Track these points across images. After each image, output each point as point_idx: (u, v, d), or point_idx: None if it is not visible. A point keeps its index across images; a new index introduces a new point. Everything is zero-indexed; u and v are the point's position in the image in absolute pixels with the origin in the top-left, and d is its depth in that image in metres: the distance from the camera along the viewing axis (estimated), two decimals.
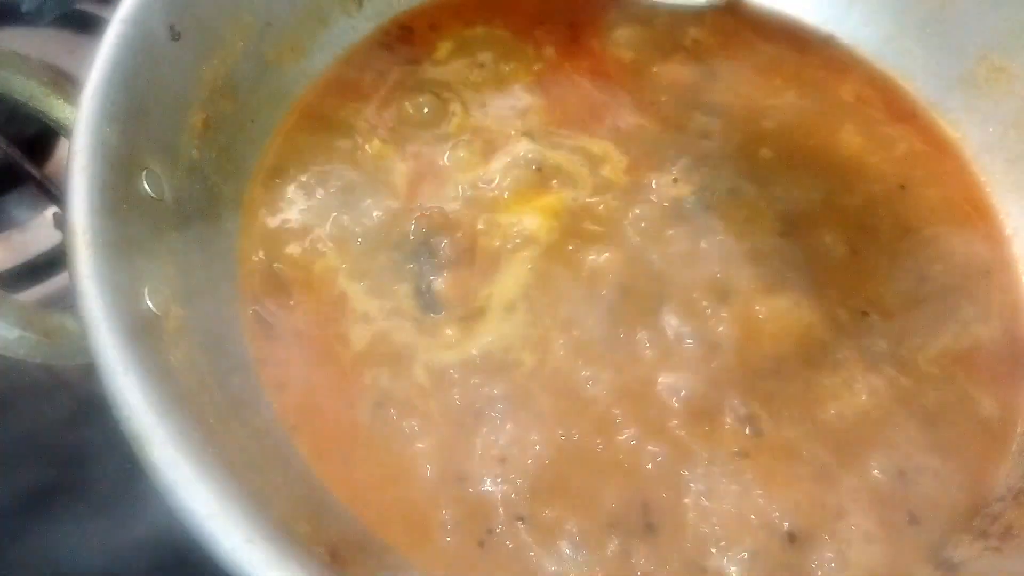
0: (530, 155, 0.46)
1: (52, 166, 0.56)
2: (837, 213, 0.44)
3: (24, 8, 0.61)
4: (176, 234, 0.37)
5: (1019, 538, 0.35)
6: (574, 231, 0.43)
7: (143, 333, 0.30)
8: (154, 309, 0.33)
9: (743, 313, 0.40)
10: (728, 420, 0.38)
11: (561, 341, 0.39)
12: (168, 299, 0.34)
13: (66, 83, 0.35)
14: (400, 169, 0.45)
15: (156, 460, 0.27)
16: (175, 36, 0.39)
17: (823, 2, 0.52)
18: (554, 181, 0.45)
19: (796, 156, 0.47)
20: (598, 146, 0.46)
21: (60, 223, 0.32)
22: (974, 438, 0.39)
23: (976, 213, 0.46)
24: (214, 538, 0.26)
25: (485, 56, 0.51)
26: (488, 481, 0.35)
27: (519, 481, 0.35)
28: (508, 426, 0.37)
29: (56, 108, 0.35)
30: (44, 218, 0.55)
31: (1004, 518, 0.36)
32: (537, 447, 0.36)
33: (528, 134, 0.47)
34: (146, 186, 0.36)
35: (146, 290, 0.33)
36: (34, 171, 0.53)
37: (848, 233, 0.44)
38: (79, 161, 0.33)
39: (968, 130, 0.48)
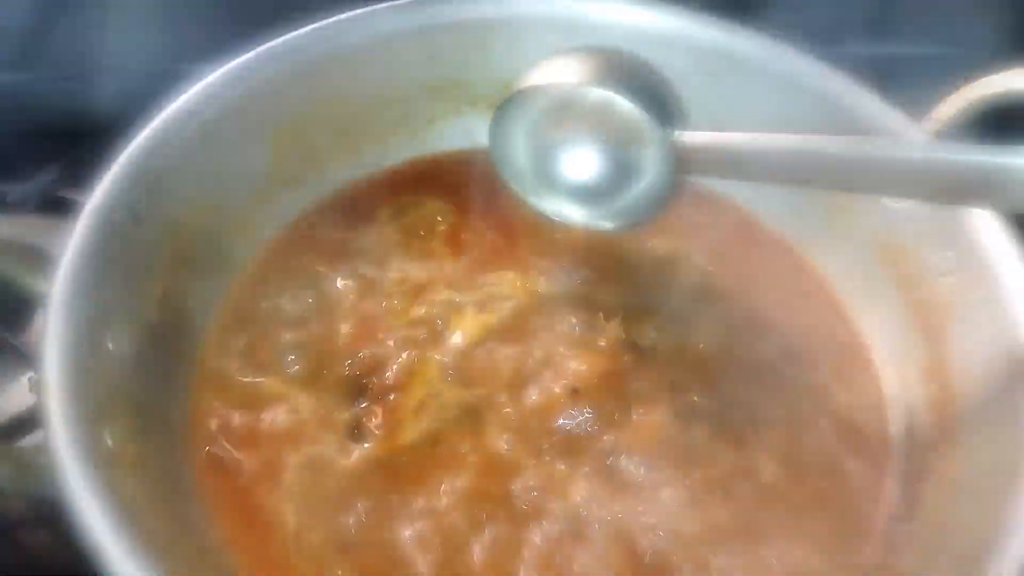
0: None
1: (28, 335, 0.62)
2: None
3: (9, 199, 0.69)
4: (135, 384, 0.43)
5: None
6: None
7: (102, 466, 0.36)
8: (111, 446, 0.38)
9: None
10: None
11: None
12: (125, 438, 0.39)
13: (42, 261, 0.42)
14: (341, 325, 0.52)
15: (108, 566, 0.32)
16: (137, 221, 0.46)
17: None
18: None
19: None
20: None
21: (34, 386, 0.38)
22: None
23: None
24: None
25: (415, 218, 0.59)
26: None
27: None
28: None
29: (29, 284, 0.42)
30: (20, 383, 0.61)
31: None
32: None
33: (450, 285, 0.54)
34: (110, 344, 0.42)
35: (106, 431, 0.38)
36: (12, 339, 0.59)
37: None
38: (52, 329, 0.39)
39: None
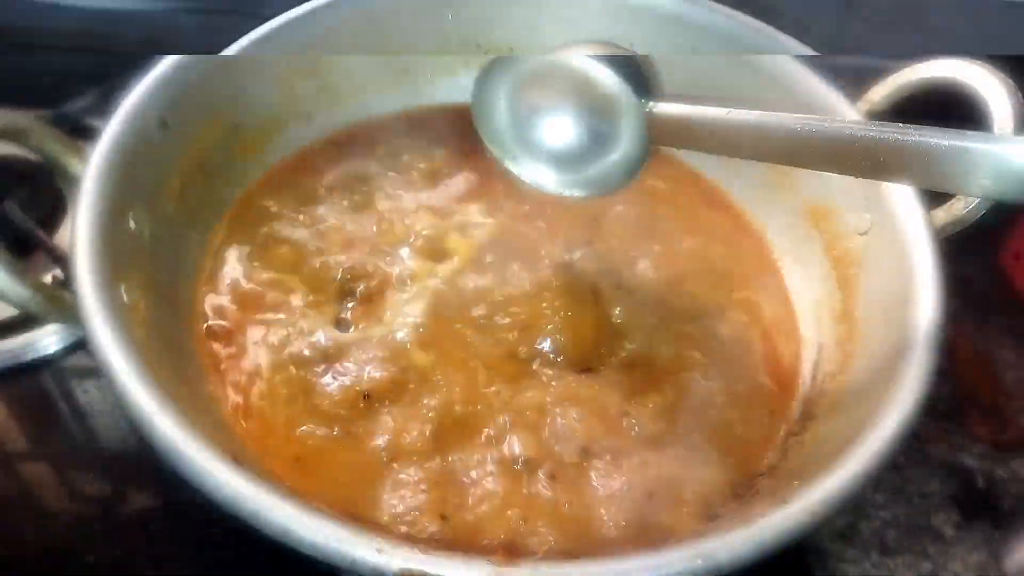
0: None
1: (58, 238, 0.69)
2: None
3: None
4: (149, 259, 0.50)
5: (760, 494, 0.46)
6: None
7: (117, 310, 0.43)
8: (127, 300, 0.46)
9: None
10: None
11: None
12: (138, 297, 0.47)
13: (81, 147, 0.49)
14: (336, 234, 0.59)
15: (115, 377, 0.39)
16: (164, 126, 0.54)
17: None
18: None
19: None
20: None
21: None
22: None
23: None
24: (152, 424, 0.38)
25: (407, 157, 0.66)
26: None
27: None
28: None
29: (72, 165, 0.49)
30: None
31: (759, 485, 0.48)
32: None
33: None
34: (132, 223, 0.49)
35: (123, 287, 0.46)
36: (46, 239, 0.67)
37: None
38: (86, 199, 0.46)
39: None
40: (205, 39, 0.57)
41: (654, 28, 0.64)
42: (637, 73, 0.46)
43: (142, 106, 0.52)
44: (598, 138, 0.49)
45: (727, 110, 0.42)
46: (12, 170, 0.69)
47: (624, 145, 0.48)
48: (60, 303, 0.43)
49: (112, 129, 0.50)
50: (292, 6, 0.61)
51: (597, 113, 0.48)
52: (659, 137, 0.46)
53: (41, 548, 0.55)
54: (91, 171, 0.47)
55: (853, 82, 0.59)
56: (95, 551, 0.54)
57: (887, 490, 0.65)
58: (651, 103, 0.46)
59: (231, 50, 0.57)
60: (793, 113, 0.44)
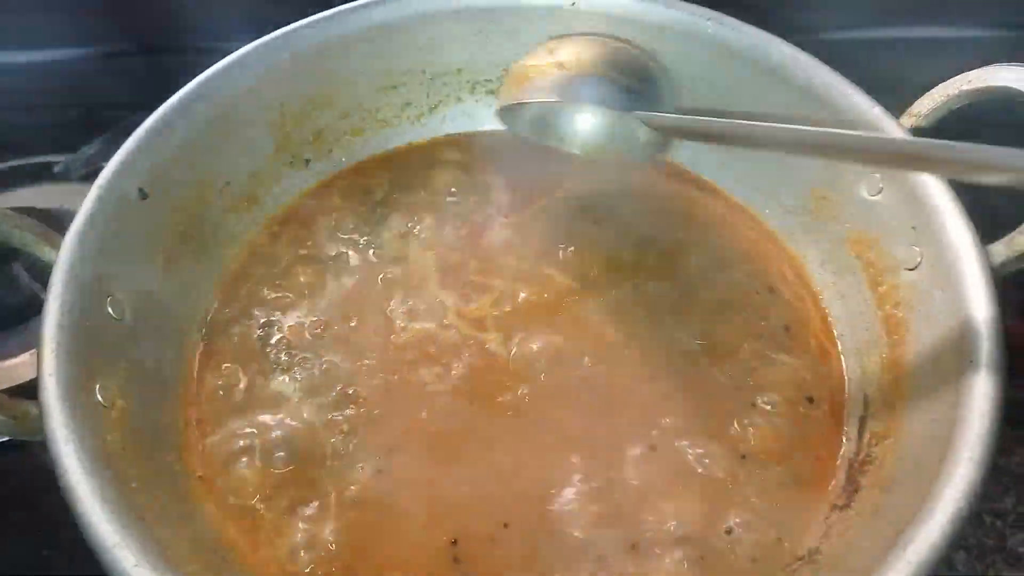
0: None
1: None
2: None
3: (56, 170, 0.76)
4: (131, 344, 0.47)
5: None
6: None
7: (87, 418, 0.40)
8: (102, 401, 0.43)
9: None
10: None
11: None
12: (115, 394, 0.44)
13: (53, 234, 0.46)
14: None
15: (78, 508, 0.36)
16: (143, 196, 0.50)
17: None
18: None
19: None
20: None
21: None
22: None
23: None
24: (114, 563, 0.35)
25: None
26: None
27: None
28: None
29: (44, 253, 0.46)
30: None
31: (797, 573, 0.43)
32: None
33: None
34: (110, 310, 0.46)
35: (97, 386, 0.43)
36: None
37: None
38: (55, 291, 0.44)
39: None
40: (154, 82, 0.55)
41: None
42: (646, 83, 0.51)
43: (118, 179, 0.49)
44: (618, 139, 0.54)
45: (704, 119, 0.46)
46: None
47: (642, 143, 0.53)
48: (24, 419, 0.40)
49: (85, 208, 0.47)
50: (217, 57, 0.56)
51: (612, 128, 0.54)
52: (663, 135, 0.52)
53: None
54: (61, 261, 0.45)
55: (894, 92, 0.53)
56: None
57: None
58: (644, 116, 0.49)
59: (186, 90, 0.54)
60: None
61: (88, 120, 0.81)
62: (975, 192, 0.48)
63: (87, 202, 0.48)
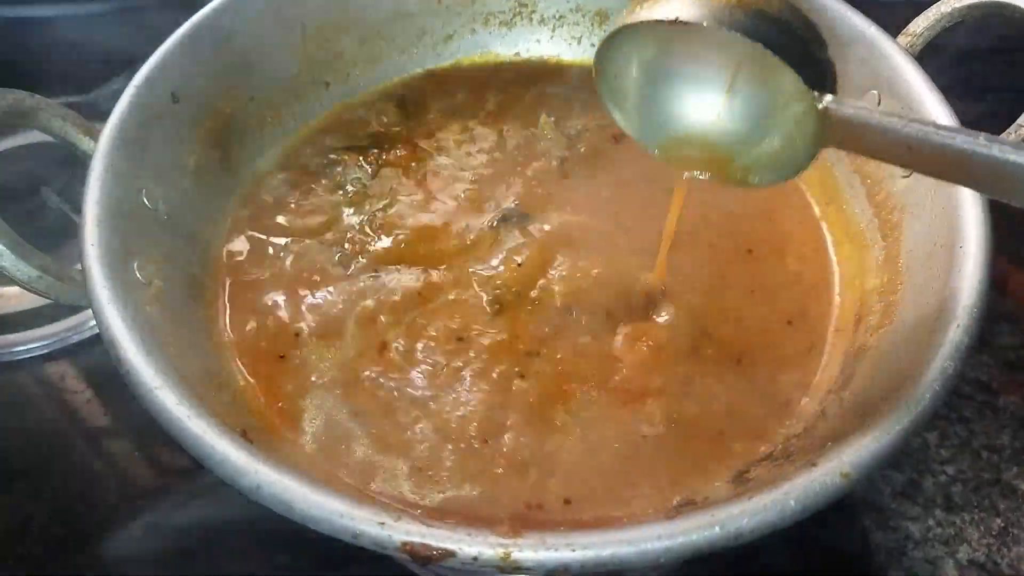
0: None
1: None
2: None
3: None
4: (166, 234, 0.50)
5: (795, 455, 0.44)
6: None
7: (127, 288, 0.43)
8: (140, 278, 0.45)
9: None
10: None
11: None
12: (152, 274, 0.46)
13: (92, 127, 0.49)
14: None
15: (121, 356, 0.39)
16: (175, 100, 0.53)
17: None
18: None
19: None
20: None
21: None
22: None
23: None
24: (157, 402, 0.37)
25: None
26: None
27: None
28: None
29: (82, 143, 0.49)
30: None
31: (793, 447, 0.45)
32: None
33: None
34: (145, 200, 0.49)
35: (135, 264, 0.45)
36: (70, 212, 0.68)
37: None
38: (95, 173, 0.46)
39: None
40: None
41: None
42: (809, 56, 0.38)
43: (151, 82, 0.52)
44: (750, 123, 0.41)
45: (904, 121, 0.35)
46: (49, 157, 0.70)
47: (784, 137, 0.40)
48: (68, 282, 0.43)
49: (122, 105, 0.50)
50: None
51: (752, 96, 0.40)
52: (827, 137, 0.38)
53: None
54: (101, 147, 0.47)
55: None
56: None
57: (952, 444, 0.62)
58: (825, 99, 0.37)
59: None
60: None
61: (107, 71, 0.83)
62: (971, 95, 0.50)
63: (122, 100, 0.50)
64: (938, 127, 0.34)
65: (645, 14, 0.38)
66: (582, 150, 0.60)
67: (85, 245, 0.43)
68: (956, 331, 0.40)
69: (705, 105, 0.41)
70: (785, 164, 0.40)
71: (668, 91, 0.42)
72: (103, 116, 0.75)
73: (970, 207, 0.45)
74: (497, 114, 0.64)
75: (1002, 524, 0.58)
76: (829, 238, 0.56)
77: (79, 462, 0.61)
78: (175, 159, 0.53)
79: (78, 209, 0.66)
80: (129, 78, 0.77)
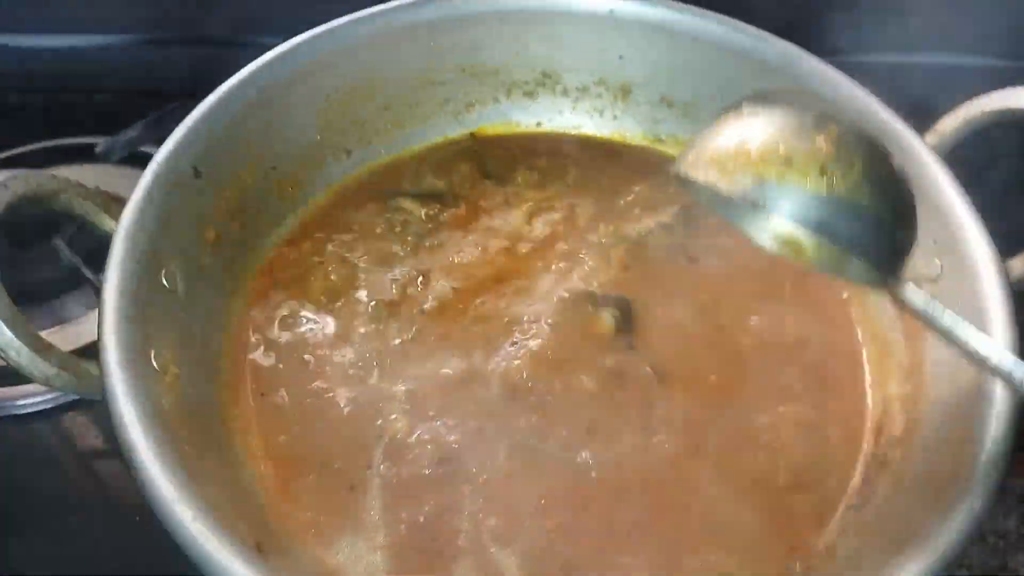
0: None
1: None
2: None
3: (97, 151, 0.78)
4: (183, 315, 0.49)
5: None
6: None
7: (144, 380, 0.42)
8: (156, 366, 0.45)
9: None
10: None
11: None
12: (168, 361, 0.46)
13: (113, 204, 0.48)
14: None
15: (137, 462, 0.38)
16: (198, 174, 0.52)
17: None
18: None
19: None
20: None
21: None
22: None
23: None
24: (172, 516, 0.37)
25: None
26: None
27: None
28: None
29: (105, 223, 0.48)
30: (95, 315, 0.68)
31: (814, 570, 0.45)
32: None
33: None
34: (164, 281, 0.48)
35: (152, 352, 0.45)
36: (91, 276, 0.67)
37: None
38: (116, 258, 0.46)
39: None
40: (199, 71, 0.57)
41: (644, 41, 0.62)
42: (889, 245, 0.36)
43: (175, 158, 0.51)
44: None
45: (962, 336, 0.35)
46: None
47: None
48: (86, 378, 0.42)
49: (144, 183, 0.49)
50: (269, 45, 0.58)
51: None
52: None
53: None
54: (122, 231, 0.47)
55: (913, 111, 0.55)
56: None
57: None
58: (894, 283, 0.36)
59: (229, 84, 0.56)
60: None
61: (126, 106, 0.83)
62: (996, 206, 0.50)
63: (145, 177, 0.50)
64: (983, 350, 0.35)
65: (700, 171, 0.35)
66: None
67: (105, 338, 0.42)
68: (986, 459, 0.40)
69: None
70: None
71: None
72: (114, 164, 0.77)
73: (997, 327, 0.45)
74: None
75: None
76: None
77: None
78: (196, 234, 0.52)
79: (88, 259, 0.68)
80: (148, 126, 0.78)
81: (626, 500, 0.47)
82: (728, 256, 0.57)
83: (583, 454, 0.48)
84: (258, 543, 0.39)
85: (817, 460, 0.49)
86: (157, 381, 0.44)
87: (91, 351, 0.60)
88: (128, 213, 0.48)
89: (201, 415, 0.47)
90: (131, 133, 0.78)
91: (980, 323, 0.45)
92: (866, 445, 0.50)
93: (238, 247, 0.56)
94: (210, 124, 0.54)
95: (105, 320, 0.43)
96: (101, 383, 0.41)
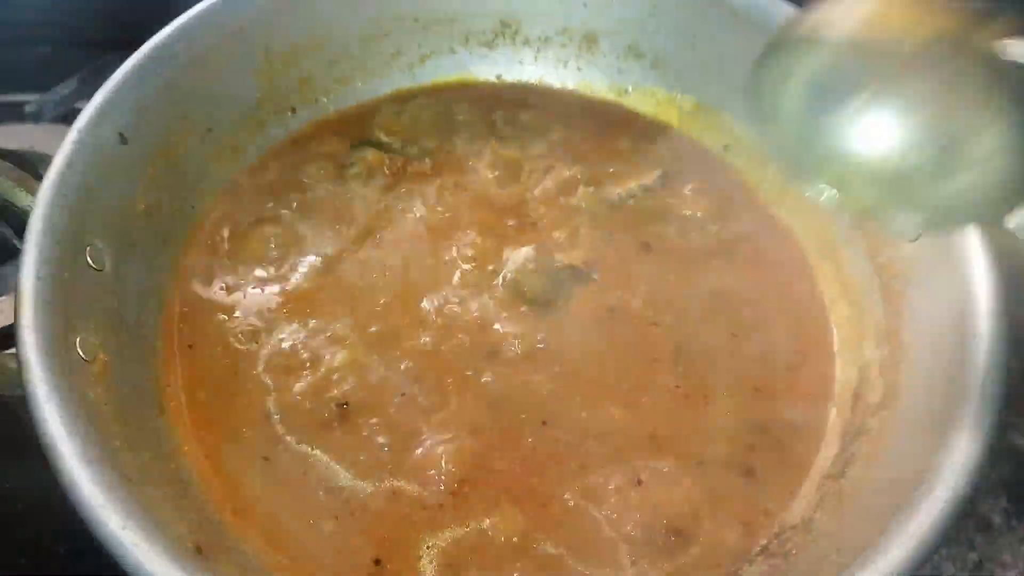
0: None
1: None
2: None
3: (27, 110, 0.72)
4: (112, 295, 0.45)
5: (795, 556, 0.41)
6: None
7: (68, 373, 0.39)
8: (82, 355, 0.41)
9: None
10: None
11: None
12: (96, 347, 0.42)
13: (29, 179, 0.44)
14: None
15: (60, 466, 0.35)
16: (124, 141, 0.48)
17: None
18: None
19: None
20: None
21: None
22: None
23: None
24: (99, 523, 0.34)
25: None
26: None
27: None
28: None
29: (20, 198, 0.44)
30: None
31: (791, 542, 0.43)
32: None
33: None
34: (89, 259, 0.44)
35: (77, 339, 0.41)
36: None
37: None
38: (32, 240, 0.42)
39: None
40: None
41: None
42: None
43: (97, 124, 0.47)
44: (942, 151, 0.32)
45: None
46: None
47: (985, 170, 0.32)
48: (3, 373, 0.39)
49: (64, 153, 0.45)
50: None
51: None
52: None
53: None
54: (40, 207, 0.43)
55: None
56: None
57: None
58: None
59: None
60: None
61: (59, 58, 0.78)
62: None
63: (64, 147, 0.45)
64: None
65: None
66: None
67: (23, 329, 0.38)
68: (968, 435, 0.38)
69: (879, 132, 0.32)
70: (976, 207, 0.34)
71: (844, 113, 0.33)
72: (48, 122, 0.72)
73: (982, 288, 0.42)
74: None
75: (977, 559, 0.57)
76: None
77: None
78: (122, 207, 0.48)
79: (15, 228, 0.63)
80: (81, 82, 0.73)
81: None
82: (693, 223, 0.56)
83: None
84: (197, 545, 0.36)
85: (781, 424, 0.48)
86: (83, 372, 0.40)
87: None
88: (45, 189, 0.43)
89: (135, 405, 0.43)
90: (64, 90, 0.73)
91: (964, 284, 0.43)
92: (835, 411, 0.48)
93: (171, 218, 0.52)
94: (135, 85, 0.49)
95: (22, 308, 0.39)
96: (19, 379, 0.37)
